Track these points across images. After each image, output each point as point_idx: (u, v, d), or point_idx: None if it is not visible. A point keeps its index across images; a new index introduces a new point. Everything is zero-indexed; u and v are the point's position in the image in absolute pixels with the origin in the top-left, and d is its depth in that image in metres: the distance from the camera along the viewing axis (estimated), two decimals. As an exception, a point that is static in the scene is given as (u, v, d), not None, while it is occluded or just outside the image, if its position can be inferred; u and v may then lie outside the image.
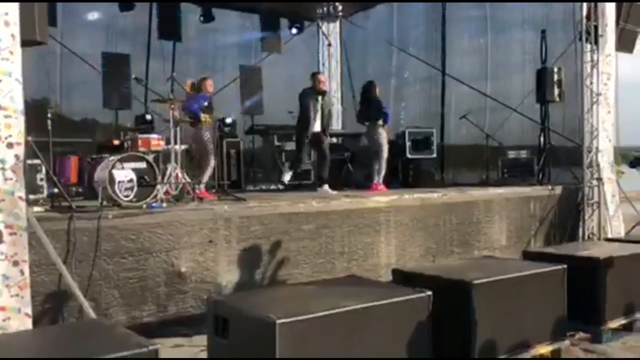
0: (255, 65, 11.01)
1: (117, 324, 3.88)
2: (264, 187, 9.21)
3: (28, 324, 3.82)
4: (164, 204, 5.41)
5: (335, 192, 7.13)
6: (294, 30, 11.50)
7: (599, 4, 7.81)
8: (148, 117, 8.57)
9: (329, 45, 11.95)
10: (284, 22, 11.38)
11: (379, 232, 6.20)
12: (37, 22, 4.31)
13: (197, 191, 6.34)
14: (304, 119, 7.40)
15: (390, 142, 8.72)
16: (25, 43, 4.22)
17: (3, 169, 3.78)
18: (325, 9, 11.64)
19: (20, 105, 3.90)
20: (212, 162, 6.88)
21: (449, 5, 10.41)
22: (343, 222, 5.96)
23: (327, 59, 11.92)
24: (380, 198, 6.43)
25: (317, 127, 7.48)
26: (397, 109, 10.69)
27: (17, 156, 3.85)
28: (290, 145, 8.88)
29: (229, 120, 9.29)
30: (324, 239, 5.82)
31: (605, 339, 4.79)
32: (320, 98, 7.49)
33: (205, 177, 6.92)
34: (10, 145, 3.82)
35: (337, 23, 12.07)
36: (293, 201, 5.94)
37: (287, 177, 7.68)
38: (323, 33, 11.97)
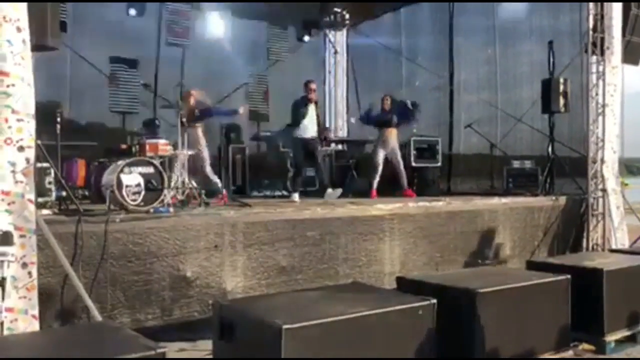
0: (262, 72, 11.08)
1: (124, 327, 3.90)
2: (268, 193, 9.25)
3: (35, 326, 3.86)
4: (171, 209, 5.44)
5: (340, 190, 7.32)
6: (302, 38, 11.59)
7: (606, 17, 7.84)
8: (156, 121, 8.61)
9: (336, 53, 12.01)
10: (291, 30, 11.46)
11: (382, 239, 6.21)
12: (50, 27, 4.38)
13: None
14: (294, 124, 7.66)
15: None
16: (37, 48, 4.30)
17: (14, 171, 3.83)
18: (332, 17, 11.71)
19: (31, 109, 3.96)
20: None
21: (456, 15, 10.47)
22: (347, 229, 5.99)
23: (334, 67, 11.98)
24: (384, 206, 6.46)
25: (310, 133, 7.64)
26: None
27: (27, 159, 3.91)
28: (296, 152, 8.93)
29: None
30: (327, 245, 5.85)
31: (608, 351, 4.79)
32: (312, 106, 7.66)
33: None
34: (21, 149, 3.87)
35: (344, 31, 12.14)
36: (298, 208, 5.97)
37: (296, 197, 7.45)
38: (330, 41, 12.03)
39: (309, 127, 7.62)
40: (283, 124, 9.91)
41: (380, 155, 8.44)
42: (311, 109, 7.64)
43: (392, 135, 8.49)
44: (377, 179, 8.39)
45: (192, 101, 7.30)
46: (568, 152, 8.66)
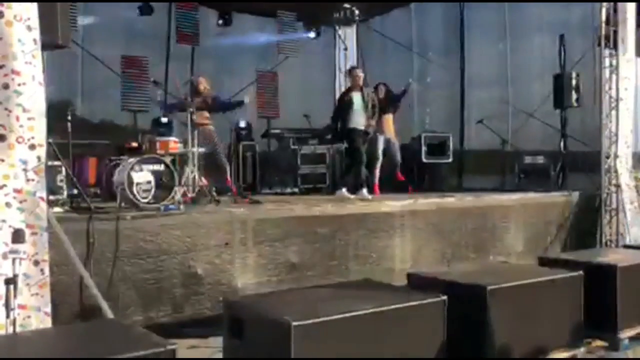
0: (272, 68, 11.09)
1: (135, 324, 3.92)
2: (279, 190, 9.26)
3: (47, 323, 3.88)
4: (182, 206, 5.46)
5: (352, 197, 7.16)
6: (311, 35, 11.59)
7: (619, 9, 7.74)
8: (165, 119, 8.64)
9: (345, 49, 11.96)
10: (301, 26, 11.44)
11: (393, 236, 6.19)
12: (60, 26, 4.39)
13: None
14: (334, 119, 7.58)
15: (405, 146, 8.78)
16: (48, 46, 4.31)
17: (25, 169, 3.85)
18: (342, 13, 11.65)
19: (42, 107, 3.97)
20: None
21: (467, 10, 10.41)
22: (358, 226, 5.97)
23: (344, 63, 11.93)
24: (394, 202, 6.43)
25: (353, 124, 7.36)
26: (422, 113, 10.75)
27: (39, 157, 3.93)
28: (306, 149, 8.92)
29: (242, 124, 9.36)
30: (338, 242, 5.84)
31: (622, 348, 4.74)
32: (356, 94, 7.43)
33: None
34: (32, 147, 3.89)
35: (354, 27, 12.09)
36: (308, 204, 5.97)
37: (344, 191, 7.30)
38: (340, 37, 11.99)
39: (353, 118, 7.37)
40: (293, 120, 9.95)
41: (380, 145, 8.29)
42: (356, 98, 7.39)
43: (388, 123, 8.40)
44: (379, 170, 8.26)
45: (201, 88, 7.32)
46: (581, 147, 8.57)
